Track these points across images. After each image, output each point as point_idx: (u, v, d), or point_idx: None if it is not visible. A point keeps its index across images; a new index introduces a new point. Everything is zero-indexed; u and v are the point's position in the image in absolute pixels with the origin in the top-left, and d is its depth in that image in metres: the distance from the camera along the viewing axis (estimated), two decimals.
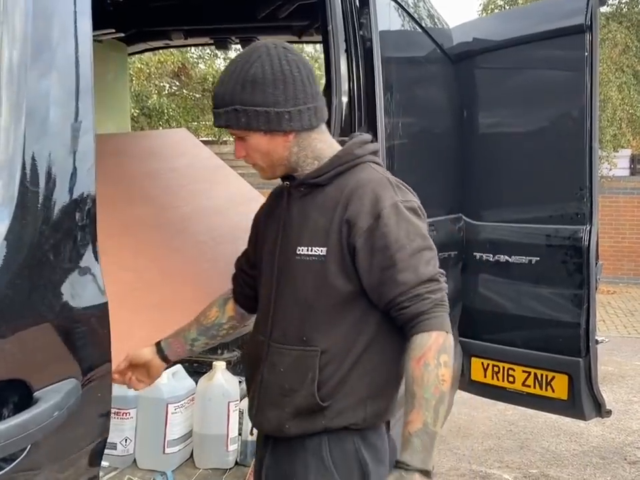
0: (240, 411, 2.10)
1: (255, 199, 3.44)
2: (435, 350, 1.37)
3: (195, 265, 2.78)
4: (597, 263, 3.12)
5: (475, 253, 3.38)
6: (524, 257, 3.24)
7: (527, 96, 3.30)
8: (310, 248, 1.45)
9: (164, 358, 1.72)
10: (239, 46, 3.91)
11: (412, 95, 2.84)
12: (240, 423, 2.10)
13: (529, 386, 3.27)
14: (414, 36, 2.99)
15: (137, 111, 12.83)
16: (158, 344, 1.74)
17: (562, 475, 3.92)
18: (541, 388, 3.24)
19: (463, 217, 3.42)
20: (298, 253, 1.47)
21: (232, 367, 2.41)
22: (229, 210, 3.31)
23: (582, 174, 3.04)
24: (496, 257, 3.33)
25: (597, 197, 3.05)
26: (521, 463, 4.07)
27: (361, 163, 1.51)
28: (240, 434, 2.10)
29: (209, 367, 2.27)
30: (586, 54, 3.00)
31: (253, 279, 1.69)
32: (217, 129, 13.32)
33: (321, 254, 1.44)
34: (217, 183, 3.52)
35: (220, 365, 2.10)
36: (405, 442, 1.35)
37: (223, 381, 2.08)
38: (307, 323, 1.46)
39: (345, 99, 2.21)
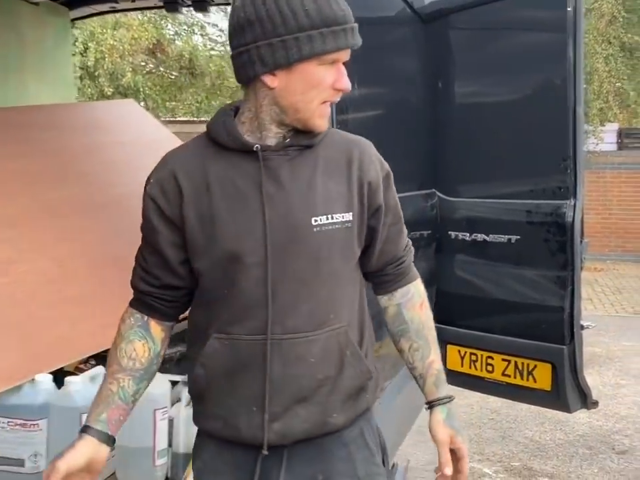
0: (169, 419, 1.81)
1: None
2: (425, 294, 1.52)
3: (133, 251, 2.49)
4: (582, 241, 2.85)
5: (450, 232, 3.11)
6: (503, 236, 2.97)
7: (506, 59, 3.01)
8: (330, 216, 1.32)
9: (108, 440, 1.34)
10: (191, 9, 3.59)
11: (374, 60, 2.53)
12: (170, 433, 1.82)
13: (509, 375, 3.01)
14: None
15: (112, 89, 12.45)
16: (90, 431, 1.32)
17: (546, 467, 3.68)
18: (521, 378, 2.99)
19: (437, 193, 3.13)
20: (315, 223, 1.31)
21: (175, 365, 2.13)
22: None
23: (565, 143, 2.75)
24: (473, 236, 3.06)
25: (581, 169, 2.77)
26: (502, 455, 3.83)
27: None
28: (170, 445, 1.82)
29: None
30: (569, 9, 2.71)
31: (183, 287, 1.39)
32: (195, 107, 12.96)
33: (346, 220, 1.35)
34: None
35: None
36: (437, 379, 1.45)
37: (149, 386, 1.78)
38: (335, 299, 1.36)
39: None
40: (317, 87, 1.29)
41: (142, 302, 1.41)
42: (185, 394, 1.87)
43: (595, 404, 3.02)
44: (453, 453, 1.43)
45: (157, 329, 1.41)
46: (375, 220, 1.40)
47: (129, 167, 3.11)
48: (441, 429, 1.42)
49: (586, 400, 2.97)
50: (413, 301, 1.48)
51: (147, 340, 1.39)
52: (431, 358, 1.46)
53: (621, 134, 11.48)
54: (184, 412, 1.83)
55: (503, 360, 3.01)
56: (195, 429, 1.86)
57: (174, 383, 1.92)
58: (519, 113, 2.97)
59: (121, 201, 2.84)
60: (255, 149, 1.30)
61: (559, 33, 2.77)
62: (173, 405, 1.86)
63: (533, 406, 4.25)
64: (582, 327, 2.88)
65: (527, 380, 2.97)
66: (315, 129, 1.33)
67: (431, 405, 1.45)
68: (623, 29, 10.44)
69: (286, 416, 1.32)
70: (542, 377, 2.94)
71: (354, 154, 1.38)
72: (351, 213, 1.35)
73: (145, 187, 1.38)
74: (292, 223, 1.30)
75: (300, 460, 1.36)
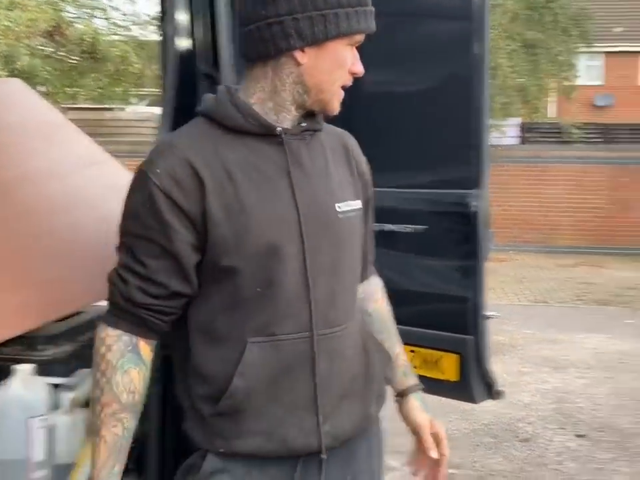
0: (49, 427, 1.64)
1: (106, 162, 2.97)
2: (384, 289, 1.55)
3: (17, 241, 2.28)
4: (487, 231, 2.85)
5: None
6: (410, 226, 2.94)
7: (413, 47, 2.97)
8: (347, 202, 1.32)
9: None
10: None
11: None
12: (50, 443, 1.64)
13: (416, 367, 2.97)
14: None
15: (6, 73, 11.82)
16: None
17: (452, 458, 3.66)
18: (428, 369, 2.96)
19: None
20: (339, 210, 1.29)
21: (63, 365, 1.94)
22: (72, 173, 2.82)
23: (469, 132, 2.73)
24: (380, 227, 2.99)
25: (486, 157, 2.76)
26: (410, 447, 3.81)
27: None
28: (50, 456, 1.65)
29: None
30: None
31: (189, 295, 1.24)
32: (97, 93, 12.48)
33: (358, 207, 1.35)
34: (58, 142, 3.01)
35: (22, 370, 1.63)
36: (406, 369, 1.49)
37: (23, 391, 1.60)
38: (354, 289, 1.36)
39: (182, 30, 1.78)
40: (342, 67, 1.25)
41: (132, 318, 1.22)
42: (67, 398, 1.70)
43: (500, 394, 3.02)
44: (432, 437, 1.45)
45: (146, 350, 1.24)
46: (366, 211, 1.41)
47: (16, 149, 2.88)
48: (420, 413, 1.44)
49: (491, 390, 2.98)
50: (375, 295, 1.50)
51: (140, 367, 1.23)
52: (397, 350, 1.48)
53: (523, 128, 11.85)
54: (66, 419, 1.67)
55: (411, 351, 2.98)
56: (78, 436, 1.71)
57: (55, 386, 1.75)
58: (425, 102, 2.93)
59: (7, 185, 2.62)
60: (277, 132, 1.22)
61: (464, 21, 2.75)
62: (53, 411, 1.69)
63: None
64: (486, 317, 2.88)
65: (434, 371, 2.95)
66: (332, 111, 1.30)
67: (403, 393, 1.46)
68: (525, 25, 10.76)
69: (334, 416, 1.28)
70: (448, 368, 2.92)
71: (348, 144, 1.39)
72: (359, 201, 1.35)
73: (147, 177, 1.18)
74: (320, 209, 1.27)
75: (335, 463, 1.30)
